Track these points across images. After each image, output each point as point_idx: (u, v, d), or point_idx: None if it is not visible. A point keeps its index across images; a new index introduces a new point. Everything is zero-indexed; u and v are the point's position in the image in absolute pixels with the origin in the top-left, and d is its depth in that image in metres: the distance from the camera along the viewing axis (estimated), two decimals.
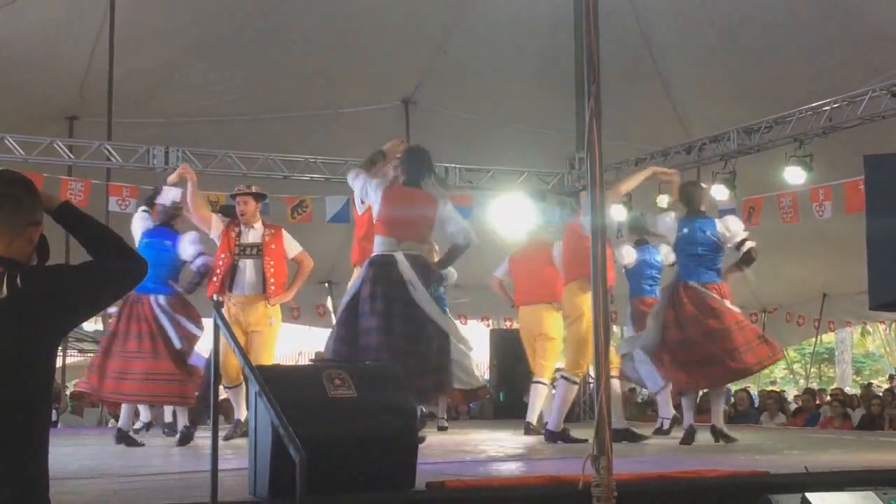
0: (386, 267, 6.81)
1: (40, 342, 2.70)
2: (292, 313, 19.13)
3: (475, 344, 11.63)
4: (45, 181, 10.55)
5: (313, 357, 11.39)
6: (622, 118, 12.13)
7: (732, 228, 8.35)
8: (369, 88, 15.23)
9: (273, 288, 8.73)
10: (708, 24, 13.25)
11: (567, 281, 8.63)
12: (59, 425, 12.80)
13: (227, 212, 9.55)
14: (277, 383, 4.15)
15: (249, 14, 13.53)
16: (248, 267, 8.71)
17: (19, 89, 13.35)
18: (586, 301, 7.79)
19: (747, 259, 8.39)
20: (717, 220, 8.45)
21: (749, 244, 8.35)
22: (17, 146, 11.56)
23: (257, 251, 8.74)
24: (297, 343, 21.80)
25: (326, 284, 18.63)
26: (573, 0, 11.68)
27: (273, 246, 8.82)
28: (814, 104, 10.89)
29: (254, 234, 8.80)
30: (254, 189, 9.12)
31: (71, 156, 12.11)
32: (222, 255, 8.71)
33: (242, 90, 14.65)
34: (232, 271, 8.68)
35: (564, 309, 8.70)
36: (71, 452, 7.65)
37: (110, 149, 12.12)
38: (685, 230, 8.29)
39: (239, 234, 8.76)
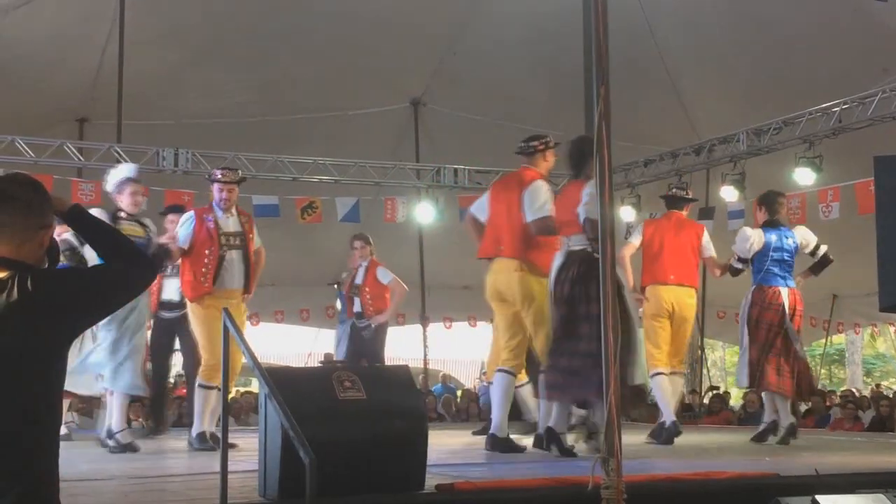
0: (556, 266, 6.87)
1: (50, 345, 2.71)
2: (301, 315, 19.16)
3: (483, 346, 11.66)
4: (56, 183, 10.59)
5: (322, 359, 11.44)
6: (631, 119, 12.12)
7: (807, 236, 8.60)
8: (378, 90, 15.25)
9: (253, 281, 7.99)
10: (717, 25, 13.24)
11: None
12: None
13: (177, 210, 9.36)
14: (287, 385, 4.15)
15: (258, 16, 13.55)
16: (235, 258, 7.85)
17: (29, 91, 13.41)
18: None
19: (824, 262, 8.61)
20: (794, 230, 8.69)
21: (824, 248, 8.59)
22: (27, 148, 11.61)
23: (241, 241, 7.92)
24: (306, 344, 21.84)
25: (336, 286, 18.60)
26: (582, 1, 11.69)
27: (251, 235, 8.05)
28: (823, 105, 10.88)
29: (233, 222, 7.96)
30: (240, 174, 8.44)
31: (81, 158, 12.15)
32: (207, 251, 7.79)
33: (251, 92, 14.68)
34: (218, 264, 7.79)
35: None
36: (81, 454, 7.66)
37: (120, 151, 12.16)
38: (772, 236, 8.45)
39: (217, 223, 7.87)
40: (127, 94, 12.72)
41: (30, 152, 11.61)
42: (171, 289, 9.25)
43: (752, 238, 8.44)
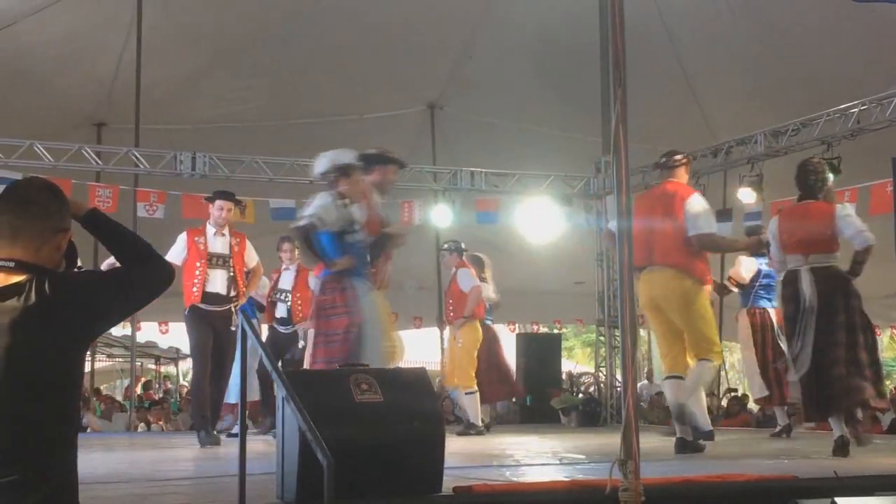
0: (793, 284, 7.12)
1: (68, 348, 2.71)
2: None
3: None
4: (74, 187, 10.61)
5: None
6: (648, 121, 12.10)
7: None
8: (394, 94, 15.27)
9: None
10: (734, 27, 13.20)
11: None
12: (87, 430, 12.90)
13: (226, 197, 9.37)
14: (304, 388, 4.15)
15: (275, 20, 13.59)
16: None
17: (48, 96, 13.48)
18: None
19: None
20: None
21: None
22: (45, 153, 11.64)
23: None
24: None
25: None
26: (598, 4, 11.67)
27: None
28: (841, 106, 10.82)
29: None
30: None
31: (99, 162, 12.18)
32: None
33: (268, 96, 14.72)
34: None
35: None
36: (99, 457, 7.69)
37: (138, 155, 12.18)
38: (763, 263, 9.25)
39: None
40: (144, 98, 12.76)
41: (48, 157, 11.64)
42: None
43: (747, 266, 9.58)
